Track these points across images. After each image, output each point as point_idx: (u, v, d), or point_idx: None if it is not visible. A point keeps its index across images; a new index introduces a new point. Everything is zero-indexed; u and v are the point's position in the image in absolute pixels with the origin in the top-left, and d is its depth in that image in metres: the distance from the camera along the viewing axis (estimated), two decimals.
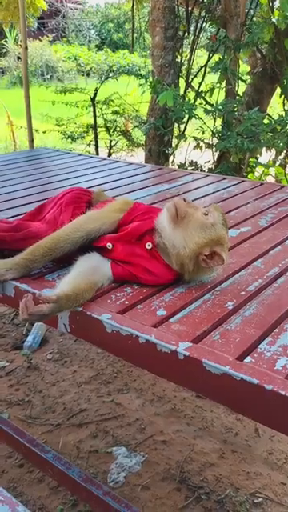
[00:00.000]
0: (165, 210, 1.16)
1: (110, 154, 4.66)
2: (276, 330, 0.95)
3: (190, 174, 2.44)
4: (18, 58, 18.18)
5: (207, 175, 2.45)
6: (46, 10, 8.11)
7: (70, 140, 4.58)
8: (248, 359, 0.86)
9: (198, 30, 4.25)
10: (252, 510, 1.83)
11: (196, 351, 0.87)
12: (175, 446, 2.12)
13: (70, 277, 1.11)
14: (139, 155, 4.85)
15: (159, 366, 0.92)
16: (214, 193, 2.05)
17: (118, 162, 2.76)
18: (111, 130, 4.60)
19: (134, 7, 4.60)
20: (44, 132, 4.74)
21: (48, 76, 18.53)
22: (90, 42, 26.45)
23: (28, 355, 2.75)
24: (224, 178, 2.33)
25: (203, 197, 1.98)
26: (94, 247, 1.20)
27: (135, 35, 5.22)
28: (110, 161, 2.79)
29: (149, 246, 1.15)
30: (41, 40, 18.89)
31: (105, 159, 2.87)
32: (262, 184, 2.24)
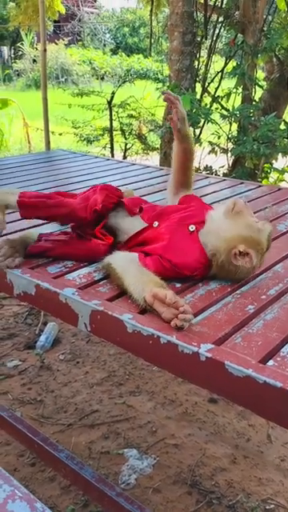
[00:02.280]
0: (223, 204, 1.24)
1: (125, 157, 4.68)
2: None
3: (207, 177, 2.45)
4: (34, 60, 18.38)
5: (223, 179, 2.44)
6: (63, 13, 8.19)
7: (85, 142, 4.61)
8: (271, 362, 0.85)
9: (215, 36, 4.26)
10: None
11: (218, 353, 0.87)
12: (187, 450, 2.12)
13: (140, 278, 1.07)
14: (154, 158, 4.86)
15: (180, 367, 0.92)
16: (231, 197, 2.05)
17: (134, 164, 2.77)
18: (126, 134, 4.62)
19: (152, 11, 4.63)
20: (60, 134, 4.77)
21: (63, 79, 18.68)
22: (105, 45, 26.63)
23: (41, 355, 2.77)
24: (241, 183, 2.33)
25: (220, 200, 1.98)
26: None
27: (152, 39, 5.25)
28: (127, 163, 2.80)
29: (192, 227, 1.20)
30: (57, 43, 19.07)
31: (121, 162, 2.89)
32: (279, 189, 2.23)
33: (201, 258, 1.16)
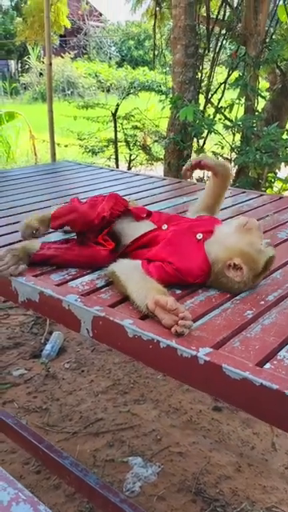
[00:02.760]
0: (236, 219, 1.28)
1: (129, 168, 4.73)
2: None
3: None
4: (40, 74, 18.64)
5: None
6: (69, 27, 8.35)
7: (90, 154, 4.68)
8: (267, 365, 0.87)
9: (218, 48, 4.32)
10: None
11: (216, 357, 0.89)
12: (191, 458, 2.12)
13: (143, 285, 1.10)
14: (158, 169, 4.91)
15: (179, 371, 0.94)
16: (233, 206, 2.08)
17: (138, 175, 2.81)
18: (131, 145, 4.68)
19: (156, 25, 4.72)
20: (66, 146, 4.84)
21: (69, 92, 18.91)
22: (110, 58, 26.98)
23: (46, 364, 2.79)
24: (243, 192, 2.36)
25: (222, 210, 2.01)
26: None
27: (156, 52, 5.34)
28: (131, 174, 2.84)
29: (199, 236, 1.24)
30: (63, 57, 19.35)
31: (125, 172, 2.93)
32: (281, 198, 2.26)
33: (203, 265, 1.19)
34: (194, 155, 4.25)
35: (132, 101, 4.66)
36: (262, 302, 1.13)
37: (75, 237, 1.45)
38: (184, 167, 1.51)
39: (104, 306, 1.10)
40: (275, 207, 2.05)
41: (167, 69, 6.00)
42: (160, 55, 5.46)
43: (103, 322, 1.06)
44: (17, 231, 1.62)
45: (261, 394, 0.82)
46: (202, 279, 1.19)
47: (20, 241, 1.49)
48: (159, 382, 2.64)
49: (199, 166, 1.48)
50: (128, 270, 1.16)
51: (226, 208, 2.03)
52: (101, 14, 28.32)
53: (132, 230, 1.35)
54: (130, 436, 2.25)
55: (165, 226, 1.33)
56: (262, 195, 2.31)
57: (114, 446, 2.18)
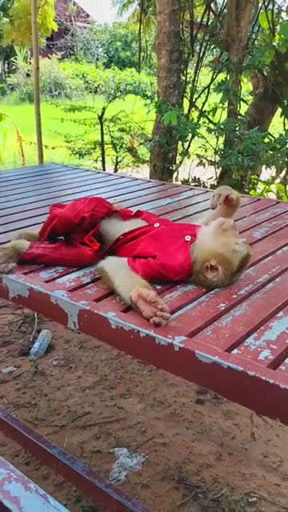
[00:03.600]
0: (215, 222, 1.37)
1: (116, 170, 4.83)
2: (262, 328, 1.07)
3: (191, 189, 2.58)
4: (27, 75, 18.63)
5: (207, 191, 2.58)
6: (56, 30, 8.41)
7: (77, 156, 4.76)
8: (235, 351, 0.97)
9: (201, 53, 4.44)
10: (247, 508, 1.92)
11: (190, 344, 0.99)
12: (174, 448, 2.22)
13: (129, 280, 1.20)
14: (144, 171, 5.01)
15: (157, 357, 1.04)
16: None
17: (123, 177, 2.90)
18: (117, 147, 4.77)
19: (141, 29, 4.82)
20: (53, 148, 4.92)
21: (56, 93, 18.92)
22: (97, 59, 27.03)
23: (34, 361, 2.87)
24: None
25: (203, 210, 2.11)
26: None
27: (142, 54, 5.44)
28: (116, 176, 2.93)
29: (188, 238, 1.35)
30: (50, 58, 19.33)
31: (111, 175, 3.02)
32: (259, 199, 2.37)
33: (185, 264, 1.29)
34: (178, 158, 4.36)
35: (119, 103, 4.75)
36: (235, 296, 1.23)
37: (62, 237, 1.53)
38: (214, 201, 1.48)
39: (89, 301, 1.19)
40: (253, 208, 2.16)
41: (154, 70, 6.11)
42: (146, 58, 5.56)
43: (88, 315, 1.15)
44: (6, 231, 1.71)
45: (228, 375, 0.92)
46: (183, 277, 1.29)
47: (9, 241, 1.57)
48: (145, 377, 2.74)
49: (226, 199, 1.49)
50: (115, 267, 1.26)
51: (207, 209, 2.13)
52: (88, 15, 28.35)
53: (119, 229, 1.44)
54: (116, 428, 2.34)
55: (157, 224, 1.44)
56: (242, 197, 2.42)
57: (101, 438, 2.27)
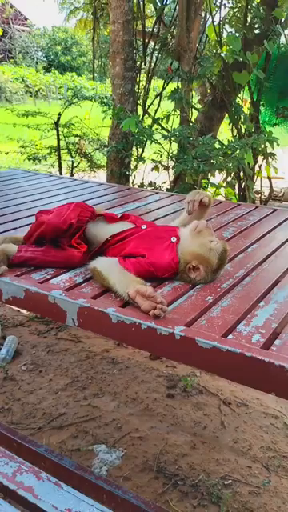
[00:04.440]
0: (189, 226, 1.47)
1: (72, 175, 4.87)
2: (248, 316, 1.20)
3: (157, 193, 2.70)
4: None
5: (171, 194, 2.71)
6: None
7: (32, 161, 4.75)
8: (230, 336, 1.09)
9: (153, 62, 4.60)
10: (223, 490, 2.05)
11: (189, 332, 1.09)
12: (150, 441, 2.32)
13: (123, 277, 1.29)
14: (101, 176, 5.09)
15: (160, 347, 1.13)
16: (179, 210, 2.31)
17: (88, 182, 2.97)
18: (72, 152, 4.82)
19: (94, 39, 4.91)
20: (6, 153, 4.88)
21: None
22: (37, 63, 26.68)
23: (3, 367, 2.86)
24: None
25: (170, 214, 2.23)
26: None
27: (96, 62, 5.53)
28: (81, 181, 2.99)
29: (173, 239, 1.45)
30: None
31: (75, 180, 3.08)
32: (220, 202, 2.53)
33: (172, 263, 1.40)
34: (133, 162, 4.48)
35: (74, 109, 4.80)
36: (219, 289, 1.36)
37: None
38: (190, 207, 1.61)
39: (87, 298, 1.27)
40: (217, 210, 2.31)
41: (103, 77, 6.20)
42: (101, 65, 5.65)
43: (88, 312, 1.23)
44: None
45: (227, 357, 1.03)
46: (171, 274, 1.40)
47: None
48: (115, 376, 2.82)
49: (200, 203, 1.62)
50: (108, 266, 1.34)
51: (173, 212, 2.26)
52: (26, 19, 27.94)
53: (107, 231, 1.52)
54: (92, 426, 2.40)
55: (144, 226, 1.54)
56: None
57: (79, 437, 2.33)
